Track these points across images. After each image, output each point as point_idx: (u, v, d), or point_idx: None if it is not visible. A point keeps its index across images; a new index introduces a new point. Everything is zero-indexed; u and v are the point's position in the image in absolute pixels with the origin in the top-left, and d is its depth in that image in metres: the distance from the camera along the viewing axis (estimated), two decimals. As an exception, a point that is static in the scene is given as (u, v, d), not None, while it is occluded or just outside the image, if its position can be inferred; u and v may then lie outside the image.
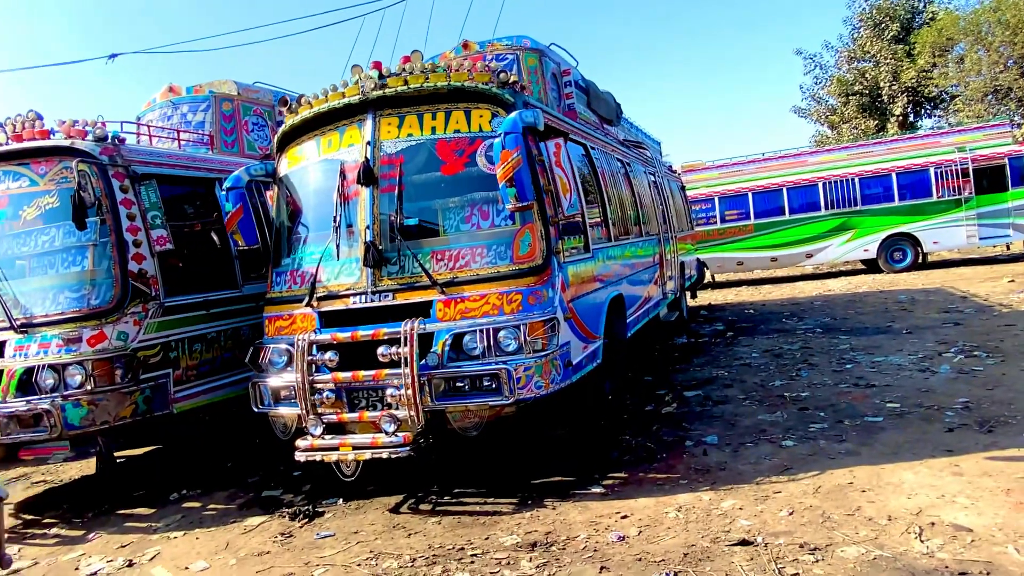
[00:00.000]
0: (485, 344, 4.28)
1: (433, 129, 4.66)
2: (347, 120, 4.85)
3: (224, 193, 4.95)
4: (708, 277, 18.44)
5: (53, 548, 4.43)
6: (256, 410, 4.74)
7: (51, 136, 5.15)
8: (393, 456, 4.07)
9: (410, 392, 4.13)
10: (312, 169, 5.01)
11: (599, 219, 6.17)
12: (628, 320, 6.73)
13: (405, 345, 4.16)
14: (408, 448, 4.09)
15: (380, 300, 4.49)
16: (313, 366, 4.43)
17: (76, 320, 4.80)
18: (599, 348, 5.48)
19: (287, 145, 5.19)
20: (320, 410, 4.41)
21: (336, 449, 4.21)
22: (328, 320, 4.62)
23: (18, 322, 4.82)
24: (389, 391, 4.23)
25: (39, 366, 4.72)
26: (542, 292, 4.38)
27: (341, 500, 4.61)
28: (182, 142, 6.54)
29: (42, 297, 4.93)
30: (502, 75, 4.66)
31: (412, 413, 4.14)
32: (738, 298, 15.03)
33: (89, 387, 4.71)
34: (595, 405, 5.87)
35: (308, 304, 4.68)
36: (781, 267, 17.82)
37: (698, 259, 17.15)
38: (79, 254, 5.00)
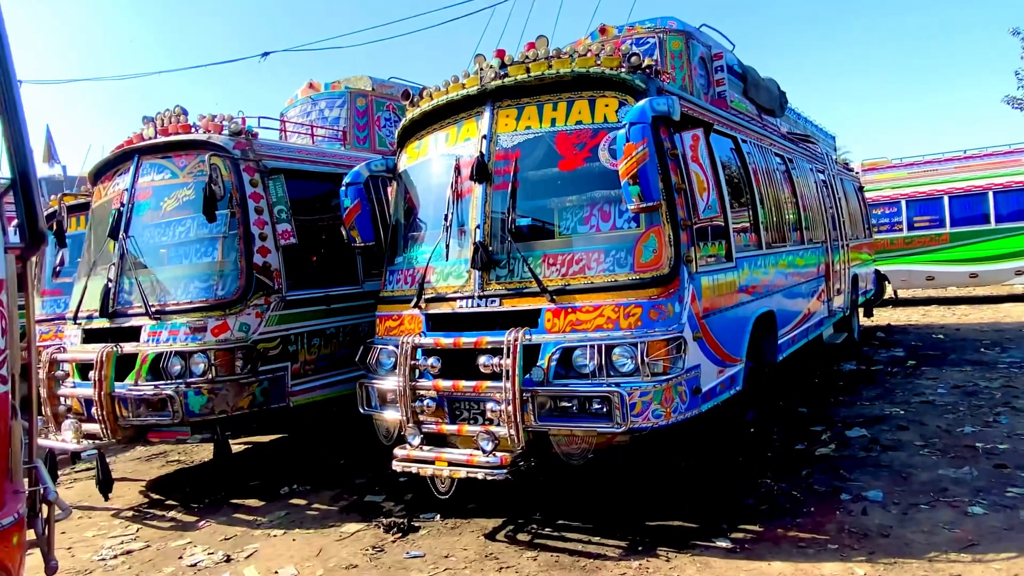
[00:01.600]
0: (597, 362, 3.86)
1: (553, 121, 4.31)
2: (466, 113, 4.64)
3: (343, 189, 4.93)
4: (889, 293, 16.52)
5: (166, 532, 4.64)
6: (362, 411, 4.67)
7: (192, 131, 5.44)
8: (488, 478, 3.78)
9: (511, 409, 3.82)
10: (429, 164, 4.86)
11: (748, 223, 5.50)
12: (780, 341, 5.97)
13: (508, 356, 3.86)
14: (505, 470, 3.78)
15: (487, 305, 4.23)
16: (416, 371, 4.26)
17: (202, 310, 5.01)
18: (740, 373, 4.86)
19: (407, 140, 5.09)
20: (421, 418, 4.24)
21: (432, 463, 4.00)
22: (435, 323, 4.44)
23: (153, 308, 5.11)
24: (490, 405, 3.95)
25: (168, 352, 4.97)
26: (666, 306, 3.89)
27: (439, 516, 4.42)
28: (317, 137, 6.73)
29: (175, 286, 5.21)
30: (634, 58, 4.21)
31: (512, 432, 3.83)
32: (925, 319, 13.24)
33: (210, 376, 4.89)
34: (732, 439, 5.24)
35: (416, 305, 4.53)
36: (982, 285, 15.46)
37: (876, 271, 15.47)
38: (210, 245, 5.23)
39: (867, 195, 16.02)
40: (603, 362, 3.87)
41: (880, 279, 15.83)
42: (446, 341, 4.21)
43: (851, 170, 12.21)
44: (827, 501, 4.17)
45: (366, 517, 4.54)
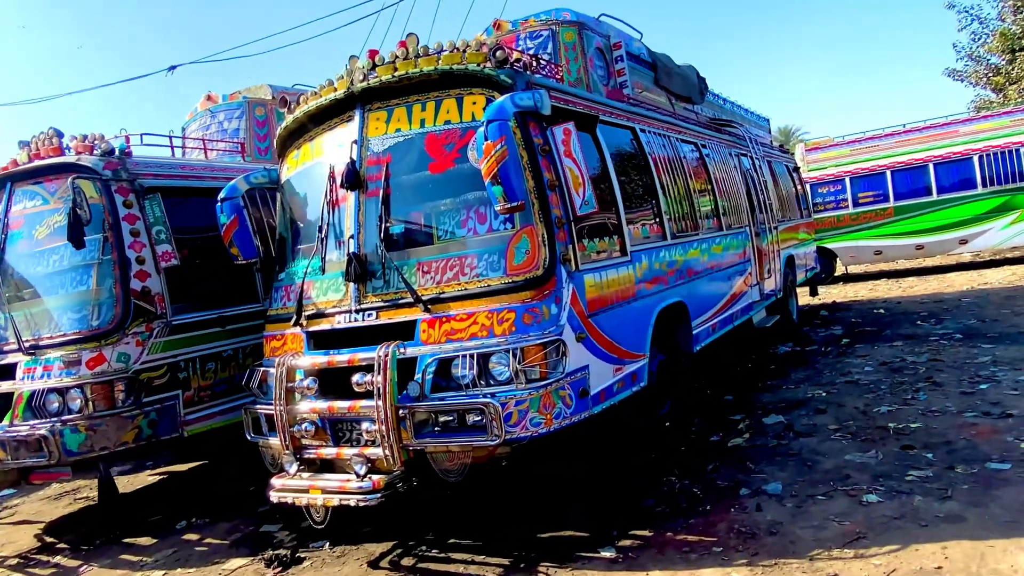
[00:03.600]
0: (475, 372, 3.68)
1: (422, 122, 4.12)
2: (339, 117, 4.43)
3: (219, 204, 4.69)
4: (840, 269, 16.63)
5: (44, 581, 4.37)
6: (249, 438, 4.44)
7: (64, 153, 5.14)
8: (362, 504, 3.58)
9: (385, 428, 3.62)
10: (307, 173, 4.63)
11: (650, 215, 5.36)
12: (696, 331, 5.86)
13: (378, 373, 3.66)
14: (379, 495, 3.58)
15: (364, 319, 4.03)
16: (295, 393, 4.05)
17: (77, 342, 4.74)
18: (643, 368, 4.72)
19: (285, 149, 4.86)
20: (305, 442, 4.03)
21: (306, 492, 3.79)
22: (317, 341, 4.23)
23: (27, 344, 4.83)
24: (365, 426, 3.75)
25: (42, 390, 4.69)
26: (540, 309, 3.72)
27: (328, 544, 4.21)
28: (216, 151, 6.46)
29: (50, 318, 4.93)
30: (499, 52, 4.02)
31: (387, 452, 3.63)
32: (872, 294, 13.30)
33: (88, 412, 4.62)
34: (641, 436, 5.11)
35: (296, 323, 4.31)
36: (929, 256, 15.61)
37: (823, 249, 15.52)
38: (84, 273, 4.95)
39: (812, 174, 16.15)
40: (480, 372, 3.69)
41: (829, 257, 15.98)
42: (320, 360, 4.01)
43: (786, 152, 12.20)
44: (726, 497, 4.04)
45: (255, 550, 4.32)
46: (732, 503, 3.94)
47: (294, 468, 3.93)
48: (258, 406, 4.35)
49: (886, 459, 4.30)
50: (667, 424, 5.38)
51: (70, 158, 5.03)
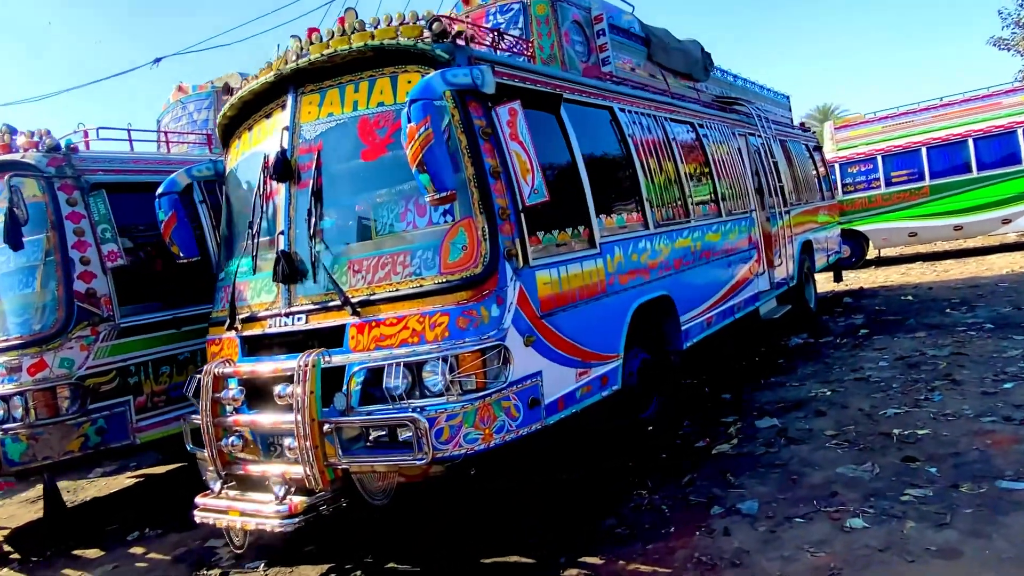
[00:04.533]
0: (407, 383, 3.31)
1: (355, 104, 3.73)
2: (275, 103, 4.08)
3: (157, 200, 4.39)
4: (873, 253, 15.79)
5: (-22, 598, 4.18)
6: (189, 449, 4.15)
7: (11, 151, 4.91)
8: (278, 529, 3.25)
9: (307, 444, 3.28)
10: (245, 164, 4.30)
11: (630, 202, 4.90)
12: (687, 326, 5.40)
13: (299, 385, 3.31)
14: (296, 520, 3.25)
15: (293, 323, 3.68)
16: (223, 405, 3.74)
17: (18, 348, 4.52)
18: (615, 370, 4.31)
19: (227, 138, 4.53)
20: (235, 457, 3.72)
21: (226, 513, 3.48)
22: (251, 346, 3.91)
23: (-31, 348, 4.62)
24: (287, 442, 3.42)
25: (-18, 396, 4.48)
26: (478, 311, 3.32)
27: (263, 565, 3.90)
28: (187, 144, 6.19)
29: (-6, 322, 4.71)
30: (436, 24, 3.60)
31: (309, 471, 3.29)
32: (904, 278, 12.50)
33: (29, 420, 4.40)
34: (618, 441, 4.69)
35: (231, 327, 4.00)
36: (968, 237, 14.73)
37: (853, 231, 14.74)
38: (26, 275, 4.73)
39: (841, 154, 15.35)
40: (414, 383, 3.32)
41: (860, 240, 15.17)
42: (245, 369, 3.68)
43: (807, 130, 11.47)
44: (695, 517, 3.60)
45: (195, 567, 4.04)
46: (700, 524, 3.50)
47: (218, 486, 3.62)
48: (195, 416, 4.05)
49: (883, 473, 3.81)
50: (650, 428, 4.95)
51: (14, 156, 4.79)
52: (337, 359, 3.43)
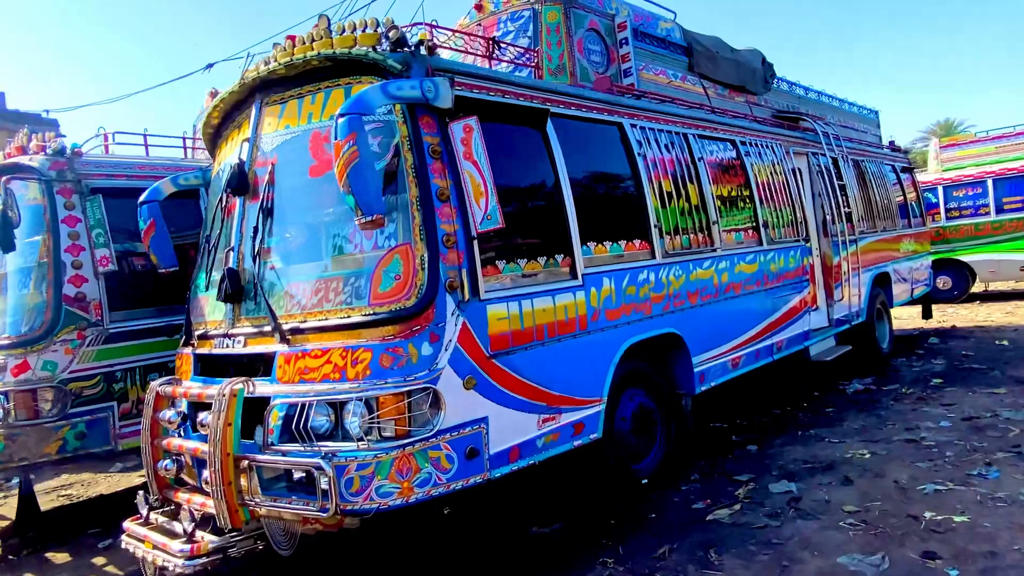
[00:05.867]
0: (330, 422, 3.04)
1: (310, 116, 3.51)
2: (245, 112, 3.93)
3: (138, 207, 4.34)
4: (979, 287, 14.26)
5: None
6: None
7: (24, 153, 5.03)
8: (179, 571, 3.04)
9: (218, 479, 3.06)
10: (218, 175, 4.17)
11: (632, 228, 4.45)
12: (701, 368, 4.86)
13: (214, 413, 3.10)
14: (196, 562, 3.03)
15: (232, 346, 3.49)
16: (162, 425, 3.60)
17: (4, 348, 4.59)
18: (595, 417, 3.89)
19: (213, 146, 4.43)
20: (183, 478, 3.58)
21: (142, 543, 3.31)
22: (204, 365, 3.75)
23: (-34, 347, 4.74)
24: (205, 474, 3.21)
25: (-30, 396, 4.58)
26: (405, 349, 3.00)
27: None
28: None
29: (-10, 322, 4.82)
30: (392, 32, 3.31)
31: (219, 508, 3.07)
32: (1007, 319, 11.14)
33: (8, 420, 4.45)
34: (602, 496, 4.24)
35: (187, 343, 3.87)
36: (1093, 274, 13.01)
37: (950, 263, 13.39)
38: (23, 277, 4.80)
39: (947, 175, 13.97)
40: (334, 423, 3.04)
41: (964, 271, 13.72)
42: (179, 391, 3.52)
43: (898, 150, 10.42)
44: (651, 603, 3.12)
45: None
46: (651, 613, 3.02)
47: (145, 510, 3.47)
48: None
49: (891, 570, 3.18)
50: (644, 482, 4.45)
51: (20, 159, 4.90)
52: (262, 389, 3.20)
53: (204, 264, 3.92)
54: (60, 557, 4.61)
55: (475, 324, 3.22)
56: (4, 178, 4.67)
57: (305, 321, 3.21)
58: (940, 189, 13.81)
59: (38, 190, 4.72)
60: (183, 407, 3.55)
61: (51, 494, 6.33)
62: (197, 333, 3.81)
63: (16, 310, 4.72)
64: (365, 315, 3.06)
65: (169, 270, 4.37)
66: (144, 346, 4.97)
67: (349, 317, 3.09)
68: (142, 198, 4.36)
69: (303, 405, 3.03)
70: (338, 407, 3.02)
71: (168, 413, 3.53)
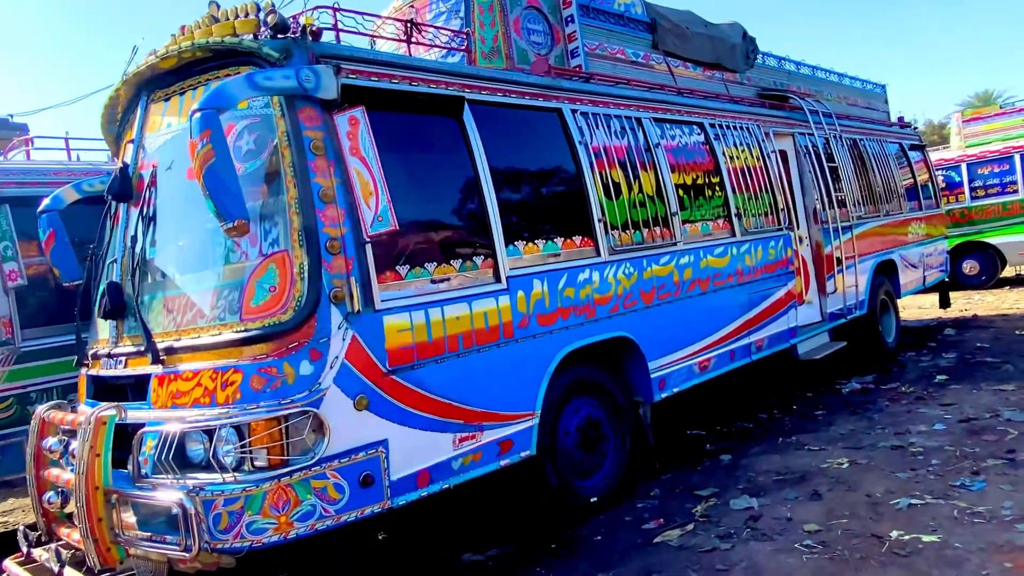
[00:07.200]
0: (208, 452, 2.87)
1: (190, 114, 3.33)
2: (133, 112, 3.77)
3: (38, 217, 4.21)
4: (1010, 271, 13.81)
5: None
6: None
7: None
8: (42, 615, 2.90)
9: (84, 513, 2.91)
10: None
11: (571, 224, 4.23)
12: (660, 374, 4.65)
13: (81, 440, 2.94)
14: (59, 608, 2.88)
15: (115, 367, 3.34)
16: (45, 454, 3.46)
17: (-96, 371, 4.49)
18: (527, 432, 3.71)
19: (115, 148, 4.26)
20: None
21: (14, 581, 3.18)
22: (96, 388, 3.61)
23: None
24: (76, 507, 3.06)
25: None
26: (280, 369, 2.82)
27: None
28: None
29: None
30: (270, 17, 3.13)
31: (87, 547, 2.92)
32: (1035, 305, 10.73)
33: (-89, 448, 4.35)
34: (544, 516, 4.04)
35: (79, 363, 3.73)
36: None
37: (977, 246, 13.00)
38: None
39: (971, 151, 13.54)
40: (208, 452, 2.87)
41: (992, 255, 13.27)
42: (58, 417, 3.38)
43: (906, 126, 10.05)
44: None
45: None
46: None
47: (25, 547, 3.34)
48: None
49: (840, 602, 2.94)
50: (593, 500, 4.24)
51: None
52: (135, 415, 3.04)
53: (95, 277, 3.78)
54: None
55: (368, 338, 3.03)
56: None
57: (179, 340, 3.05)
58: (964, 167, 13.38)
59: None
60: (65, 435, 3.41)
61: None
62: (90, 352, 3.67)
63: (-81, 332, 4.62)
64: (236, 332, 2.89)
65: (74, 284, 4.22)
66: (61, 365, 4.83)
67: (220, 335, 2.92)
68: (41, 207, 4.23)
69: (171, 434, 2.87)
70: (209, 435, 2.85)
71: (50, 441, 3.39)
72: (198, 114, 2.68)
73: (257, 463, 2.77)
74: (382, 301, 3.11)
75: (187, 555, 2.69)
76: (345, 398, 2.93)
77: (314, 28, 3.22)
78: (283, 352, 2.83)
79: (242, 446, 2.75)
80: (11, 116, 13.95)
